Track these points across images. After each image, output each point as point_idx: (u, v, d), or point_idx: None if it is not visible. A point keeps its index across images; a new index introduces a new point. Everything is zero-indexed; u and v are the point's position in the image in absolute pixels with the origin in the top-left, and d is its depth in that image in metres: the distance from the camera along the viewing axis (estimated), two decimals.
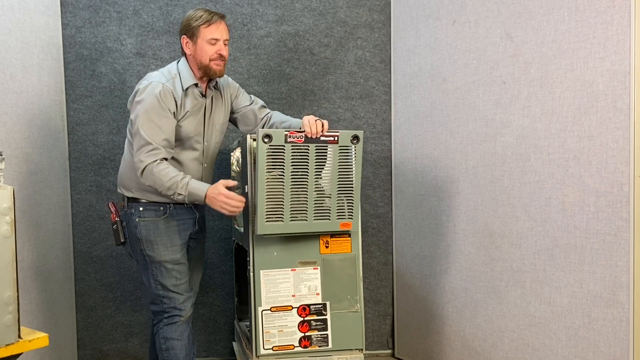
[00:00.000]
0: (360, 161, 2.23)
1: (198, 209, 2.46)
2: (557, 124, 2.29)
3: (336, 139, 2.19)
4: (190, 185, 2.19)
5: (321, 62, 3.18)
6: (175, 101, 2.26)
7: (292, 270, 2.26)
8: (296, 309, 2.26)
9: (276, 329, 2.24)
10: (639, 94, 2.03)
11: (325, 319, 2.27)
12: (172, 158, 2.31)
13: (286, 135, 2.14)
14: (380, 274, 3.26)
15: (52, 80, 2.86)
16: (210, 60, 2.29)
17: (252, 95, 2.58)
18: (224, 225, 3.14)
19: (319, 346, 2.26)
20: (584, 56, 2.19)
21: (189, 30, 2.29)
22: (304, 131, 2.16)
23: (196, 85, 2.33)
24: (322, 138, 2.18)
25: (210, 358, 3.20)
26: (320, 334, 2.27)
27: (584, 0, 2.19)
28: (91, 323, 3.10)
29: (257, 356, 2.24)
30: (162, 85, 2.23)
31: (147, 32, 3.05)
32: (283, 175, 2.15)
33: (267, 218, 2.15)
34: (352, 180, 2.22)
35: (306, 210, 2.19)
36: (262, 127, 2.48)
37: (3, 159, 1.76)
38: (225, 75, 2.45)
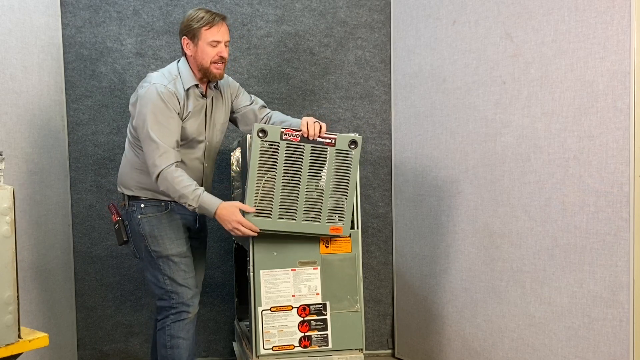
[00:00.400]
0: (357, 165, 2.21)
1: None
2: (557, 124, 2.29)
3: (333, 141, 2.18)
4: (202, 199, 2.18)
5: (321, 62, 3.18)
6: (179, 102, 2.26)
7: (292, 270, 2.26)
8: (296, 309, 2.26)
9: (276, 329, 2.24)
10: (639, 94, 2.03)
11: (325, 319, 2.27)
12: None
13: (282, 132, 2.14)
14: (380, 274, 3.26)
15: (52, 80, 2.87)
16: (211, 62, 2.28)
17: (252, 95, 2.58)
18: None
19: (319, 346, 2.26)
20: (584, 56, 2.19)
21: (190, 32, 2.28)
22: (301, 130, 2.15)
23: (197, 86, 2.33)
24: (319, 139, 2.17)
25: (210, 358, 3.20)
26: (320, 334, 2.27)
27: (584, 0, 2.19)
28: (91, 323, 3.10)
29: (257, 356, 2.24)
30: (164, 87, 2.22)
31: (147, 32, 3.05)
32: (275, 172, 2.14)
33: (255, 212, 2.15)
34: (347, 185, 2.21)
35: (296, 210, 2.18)
36: None
37: (3, 159, 1.76)
38: (225, 75, 2.45)
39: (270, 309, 2.24)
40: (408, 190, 3.09)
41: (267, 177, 2.15)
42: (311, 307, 2.27)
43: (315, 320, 2.26)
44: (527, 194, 2.43)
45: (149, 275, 2.40)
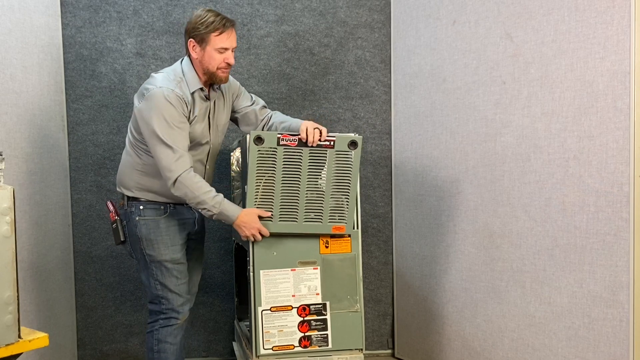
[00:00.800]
0: (357, 166, 2.21)
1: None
2: (557, 124, 2.29)
3: (332, 144, 2.18)
4: (223, 205, 2.18)
5: (321, 62, 3.18)
6: (187, 106, 2.23)
7: (292, 270, 2.26)
8: (296, 309, 2.26)
9: (276, 329, 2.24)
10: (639, 94, 2.03)
11: (325, 319, 2.27)
12: None
13: (279, 137, 2.13)
14: (380, 274, 3.26)
15: (52, 80, 2.86)
16: (218, 68, 2.25)
17: (253, 95, 2.57)
18: (224, 225, 3.13)
19: (319, 346, 2.26)
20: (584, 56, 2.19)
21: (198, 35, 2.22)
22: (299, 134, 2.15)
23: (201, 89, 2.30)
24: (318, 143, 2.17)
25: (210, 358, 3.20)
26: (320, 334, 2.26)
27: (584, 0, 2.19)
28: (91, 323, 3.10)
29: (257, 356, 2.24)
30: (172, 91, 2.18)
31: (147, 32, 3.05)
32: (274, 177, 2.14)
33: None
34: (348, 185, 2.21)
35: (297, 212, 2.19)
36: (263, 128, 2.47)
37: (3, 159, 1.76)
38: None
39: (270, 309, 2.24)
40: (408, 190, 3.09)
41: (266, 181, 2.15)
42: (311, 307, 2.27)
43: (315, 320, 2.26)
44: (527, 194, 2.43)
45: (144, 277, 2.41)
